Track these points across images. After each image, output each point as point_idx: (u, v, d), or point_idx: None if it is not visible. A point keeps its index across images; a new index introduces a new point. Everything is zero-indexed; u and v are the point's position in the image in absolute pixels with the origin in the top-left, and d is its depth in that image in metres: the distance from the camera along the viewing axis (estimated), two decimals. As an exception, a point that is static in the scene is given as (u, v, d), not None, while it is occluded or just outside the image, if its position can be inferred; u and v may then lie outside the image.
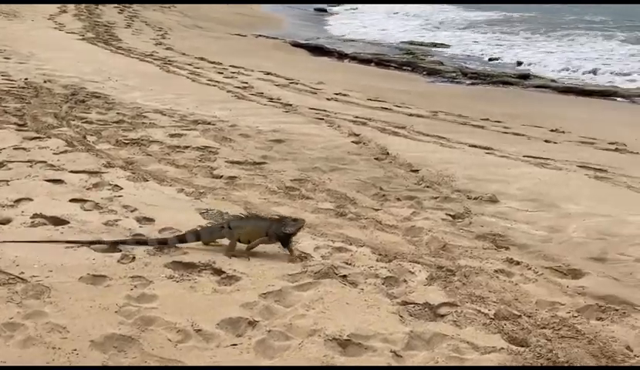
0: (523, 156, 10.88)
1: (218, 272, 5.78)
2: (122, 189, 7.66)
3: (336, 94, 16.31)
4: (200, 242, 6.27)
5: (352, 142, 10.96)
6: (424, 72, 24.03)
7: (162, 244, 6.20)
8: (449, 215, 7.61)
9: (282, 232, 6.19)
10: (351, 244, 6.54)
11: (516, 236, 7.07)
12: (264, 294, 5.43)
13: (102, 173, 8.19)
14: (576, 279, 6.03)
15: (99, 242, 6.18)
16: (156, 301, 5.23)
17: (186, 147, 9.78)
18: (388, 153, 10.30)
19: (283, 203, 7.71)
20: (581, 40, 32.34)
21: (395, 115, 14.31)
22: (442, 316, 5.26)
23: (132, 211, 7.01)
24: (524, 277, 5.98)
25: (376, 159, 10.00)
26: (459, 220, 7.53)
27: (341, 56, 26.60)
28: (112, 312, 5.03)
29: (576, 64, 26.07)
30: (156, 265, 5.82)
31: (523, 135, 13.27)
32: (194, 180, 8.32)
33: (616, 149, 12.26)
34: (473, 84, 22.43)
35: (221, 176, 8.53)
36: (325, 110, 13.81)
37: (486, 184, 8.85)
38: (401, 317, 5.20)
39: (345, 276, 5.82)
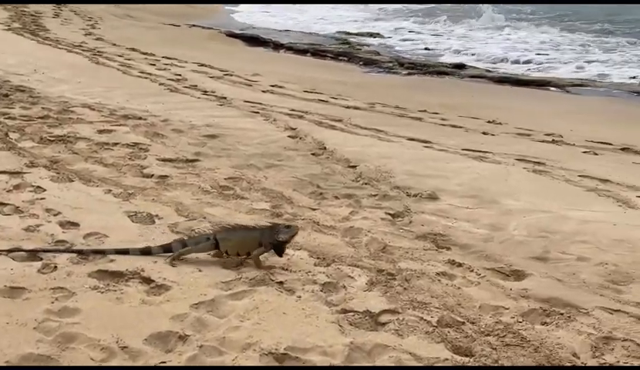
0: (462, 150, 10.74)
1: (147, 281, 5.46)
2: (45, 190, 7.26)
3: (272, 86, 16.00)
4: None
5: (289, 136, 10.68)
6: (360, 63, 23.83)
7: (146, 254, 5.87)
8: (389, 214, 7.40)
9: (275, 240, 5.88)
10: (288, 248, 6.26)
11: (457, 235, 6.89)
12: (196, 304, 5.14)
13: (24, 173, 7.76)
14: (519, 281, 5.86)
15: (79, 251, 5.87)
16: (79, 315, 4.88)
17: (115, 144, 9.38)
18: (325, 148, 10.06)
19: (217, 203, 7.41)
20: (519, 32, 32.50)
21: (332, 107, 14.06)
22: (384, 324, 5.03)
23: (55, 215, 6.62)
24: (467, 280, 5.79)
25: (313, 154, 9.74)
26: (399, 219, 7.32)
27: (277, 47, 26.24)
28: (31, 329, 4.68)
29: (512, 55, 26.20)
30: (79, 275, 5.47)
31: (460, 127, 13.15)
32: (123, 180, 7.94)
33: (553, 141, 12.21)
34: (409, 74, 22.31)
35: (152, 175, 8.18)
36: (260, 103, 13.49)
37: (426, 180, 8.67)
38: (340, 326, 4.96)
39: (281, 282, 5.56)
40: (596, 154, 11.18)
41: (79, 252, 5.84)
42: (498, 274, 5.98)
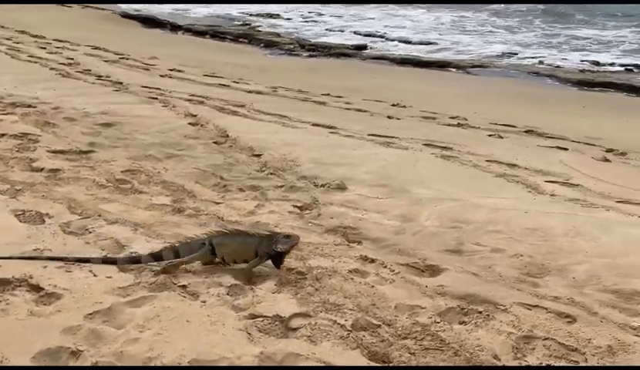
0: (368, 135, 10.51)
1: (36, 289, 4.97)
2: None
3: (170, 70, 15.47)
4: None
5: (189, 124, 10.25)
6: (261, 45, 23.46)
7: (134, 263, 5.39)
8: (296, 206, 7.09)
9: (274, 250, 5.43)
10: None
11: (368, 228, 6.63)
12: (90, 314, 4.69)
13: None
14: (434, 276, 5.62)
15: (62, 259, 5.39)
16: (-44, 332, 4.40)
17: (2, 135, 8.74)
18: (228, 136, 9.67)
19: (113, 199, 6.93)
20: (422, 15, 32.59)
21: (234, 92, 13.66)
22: (295, 330, 4.69)
23: None
24: (381, 278, 5.50)
25: (215, 143, 9.35)
26: (307, 211, 7.02)
27: (175, 28, 25.61)
28: None
29: (414, 36, 26.24)
30: (-41, 284, 4.95)
31: (365, 111, 12.94)
32: (10, 175, 7.36)
33: (458, 125, 12.12)
34: (310, 56, 22.08)
35: (42, 169, 7.62)
36: (158, 88, 12.98)
37: (333, 168, 8.38)
38: (249, 334, 4.59)
39: (184, 286, 5.16)
40: (501, 137, 11.12)
41: (62, 259, 5.39)
42: (413, 269, 5.73)
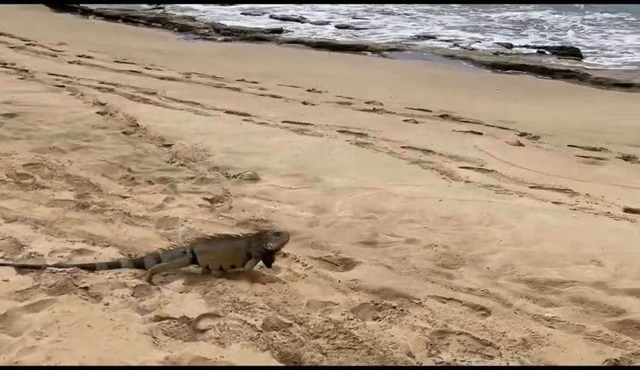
0: (283, 122, 10.34)
1: None
2: None
3: (79, 56, 15.01)
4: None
5: (97, 113, 9.90)
6: (175, 29, 23.03)
7: (113, 268, 5.12)
8: (207, 199, 6.86)
9: (264, 249, 5.18)
10: (94, 244, 5.59)
11: (281, 220, 6.45)
12: (-16, 321, 4.41)
13: None
14: (348, 270, 5.48)
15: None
16: None
17: None
18: (137, 125, 9.37)
19: (13, 195, 6.57)
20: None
21: (146, 78, 13.31)
22: (203, 332, 4.49)
23: None
24: (293, 273, 5.32)
25: (124, 133, 9.03)
26: (219, 204, 6.81)
27: (86, 12, 24.89)
28: None
29: (332, 19, 26.11)
30: None
31: (280, 97, 12.77)
32: None
33: (374, 110, 12.05)
34: (226, 40, 21.76)
35: (-64, 165, 7.22)
36: (66, 76, 12.55)
37: (246, 158, 8.18)
38: (154, 338, 4.37)
39: (86, 288, 4.88)
40: (417, 122, 11.08)
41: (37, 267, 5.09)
42: (326, 263, 5.57)
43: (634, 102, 15.34)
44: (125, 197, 6.79)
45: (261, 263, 5.23)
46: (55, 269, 5.06)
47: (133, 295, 4.85)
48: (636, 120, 12.70)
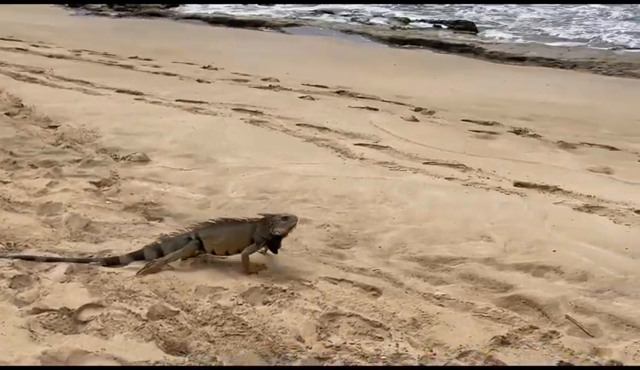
0: (176, 101, 10.13)
1: None
2: None
3: (-39, 34, 14.34)
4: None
5: (-21, 94, 9.46)
6: (66, 4, 22.26)
7: (111, 265, 4.95)
8: (94, 183, 6.61)
9: (270, 234, 4.97)
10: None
11: (171, 203, 6.27)
12: None
13: None
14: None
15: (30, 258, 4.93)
16: None
17: None
18: (22, 106, 9.03)
19: None
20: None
21: (33, 56, 12.85)
22: (85, 323, 4.29)
23: None
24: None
25: (8, 114, 8.68)
26: (106, 188, 6.57)
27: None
28: None
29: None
30: None
31: (175, 74, 12.50)
32: None
33: (270, 87, 11.90)
34: (119, 16, 21.19)
35: None
36: (-54, 56, 11.96)
37: (137, 139, 7.95)
38: (32, 332, 4.15)
39: (-40, 280, 4.64)
40: (313, 99, 10.99)
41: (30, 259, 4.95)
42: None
43: (528, 75, 15.62)
44: (5, 182, 6.49)
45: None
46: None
47: (10, 287, 4.62)
48: (529, 93, 12.90)
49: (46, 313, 4.34)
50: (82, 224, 5.68)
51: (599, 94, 13.47)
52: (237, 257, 5.06)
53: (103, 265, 4.96)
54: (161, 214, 6.05)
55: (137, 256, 5.05)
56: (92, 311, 4.40)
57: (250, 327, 4.29)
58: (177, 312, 4.43)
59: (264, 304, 4.63)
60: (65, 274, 4.82)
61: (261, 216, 5.11)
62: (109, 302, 4.49)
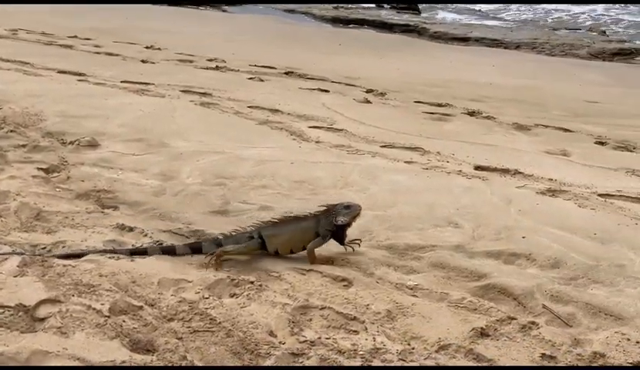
0: (121, 82, 9.80)
1: None
2: None
3: None
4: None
5: None
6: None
7: (167, 253, 4.82)
8: (42, 169, 6.31)
9: (334, 225, 4.74)
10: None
11: (125, 190, 6.01)
12: None
13: None
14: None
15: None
16: None
17: None
18: (-42, 89, 8.58)
19: None
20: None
21: (-33, 37, 12.31)
22: (43, 320, 4.04)
23: None
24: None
25: (-57, 96, 8.25)
26: (55, 174, 6.27)
27: None
28: None
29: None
30: None
31: (117, 55, 12.15)
32: None
33: (217, 68, 11.65)
34: (55, -5, 20.51)
35: None
36: None
37: (83, 122, 7.65)
38: (-14, 331, 3.90)
39: None
40: (262, 80, 10.77)
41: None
42: (176, 236, 5.20)
43: (473, 56, 15.65)
44: (-53, 170, 6.15)
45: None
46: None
47: (-39, 283, 4.33)
48: (476, 74, 12.89)
49: (1, 310, 4.08)
50: (33, 214, 5.39)
51: (544, 75, 13.55)
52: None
53: (159, 253, 4.84)
54: (115, 202, 5.79)
55: (194, 248, 4.89)
56: (49, 307, 4.13)
57: (220, 323, 4.09)
58: (141, 307, 4.20)
59: (231, 296, 4.44)
60: (17, 267, 4.55)
61: (323, 208, 4.90)
62: (68, 297, 4.23)
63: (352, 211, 4.85)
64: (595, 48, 16.61)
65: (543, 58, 16.05)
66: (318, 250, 4.88)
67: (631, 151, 7.91)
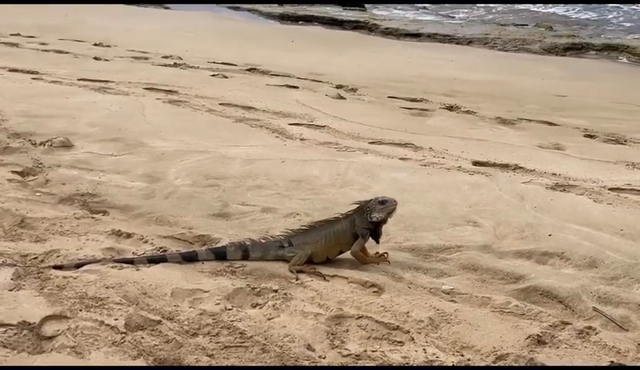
0: (79, 80, 9.30)
1: None
2: None
3: None
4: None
5: None
6: None
7: (188, 260, 4.43)
8: (16, 172, 5.82)
9: (369, 223, 4.41)
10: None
11: (111, 193, 5.56)
12: None
13: None
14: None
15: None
16: None
17: None
18: None
19: None
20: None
21: None
22: (51, 339, 3.60)
23: None
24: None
25: None
26: (31, 177, 5.79)
27: None
28: None
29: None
30: None
31: (67, 52, 11.65)
32: None
33: (175, 65, 11.20)
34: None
35: None
36: None
37: (48, 122, 7.17)
38: (-8, 355, 3.44)
39: None
40: (226, 77, 10.37)
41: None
42: (180, 242, 4.78)
43: (429, 51, 15.51)
44: None
45: None
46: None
47: (-49, 299, 3.84)
48: (439, 70, 12.75)
49: (3, 329, 3.60)
50: (16, 221, 4.92)
51: (504, 69, 13.47)
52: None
53: (180, 260, 4.46)
54: (104, 206, 5.34)
55: (218, 252, 4.49)
56: (56, 324, 3.71)
57: (251, 336, 3.71)
58: (159, 321, 3.79)
59: (254, 307, 4.06)
60: (12, 279, 4.08)
61: (355, 206, 4.54)
62: (75, 312, 3.80)
63: (388, 206, 4.51)
64: (547, 44, 16.62)
65: (497, 53, 15.98)
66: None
67: (622, 144, 7.75)
